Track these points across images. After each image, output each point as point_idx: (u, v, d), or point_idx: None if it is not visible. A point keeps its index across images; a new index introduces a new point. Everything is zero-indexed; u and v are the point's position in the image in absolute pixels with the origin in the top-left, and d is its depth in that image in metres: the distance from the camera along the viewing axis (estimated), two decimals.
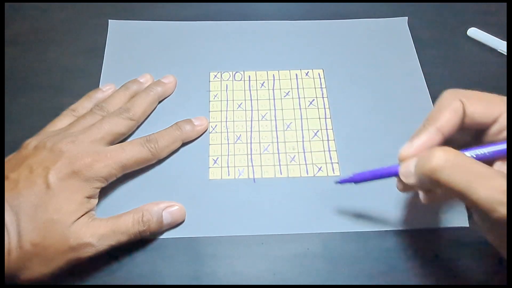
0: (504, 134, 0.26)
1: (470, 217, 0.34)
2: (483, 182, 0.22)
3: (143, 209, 0.32)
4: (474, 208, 0.23)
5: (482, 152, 0.25)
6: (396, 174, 0.28)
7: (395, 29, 0.45)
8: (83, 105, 0.37)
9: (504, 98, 0.26)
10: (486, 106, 0.26)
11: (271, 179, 0.36)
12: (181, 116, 0.37)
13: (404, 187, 0.29)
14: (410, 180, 0.26)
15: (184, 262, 0.32)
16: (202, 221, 0.33)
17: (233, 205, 0.34)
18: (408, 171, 0.26)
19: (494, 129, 0.26)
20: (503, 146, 0.24)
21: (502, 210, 0.21)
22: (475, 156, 0.25)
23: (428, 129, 0.26)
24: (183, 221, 0.33)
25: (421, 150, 0.26)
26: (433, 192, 0.27)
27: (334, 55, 0.43)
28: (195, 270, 0.32)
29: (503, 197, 0.21)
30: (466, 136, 0.28)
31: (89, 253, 0.29)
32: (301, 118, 0.39)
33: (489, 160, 0.25)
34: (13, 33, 0.44)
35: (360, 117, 0.39)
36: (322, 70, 0.42)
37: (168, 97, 0.40)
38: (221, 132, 0.38)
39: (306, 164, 0.36)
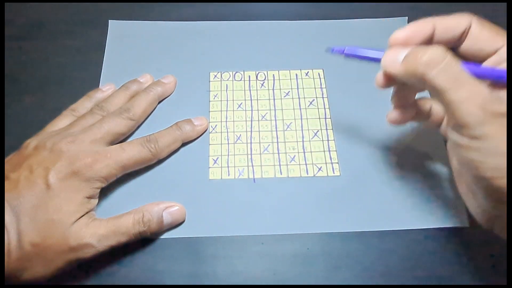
0: (500, 66, 0.26)
1: (470, 217, 0.34)
2: (467, 85, 0.23)
3: (144, 209, 0.32)
4: (448, 109, 0.24)
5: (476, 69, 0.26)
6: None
7: (395, 29, 0.45)
8: (83, 105, 0.37)
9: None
10: (493, 34, 0.26)
11: (271, 179, 0.36)
12: (181, 116, 0.37)
13: (384, 83, 0.29)
14: (393, 69, 0.26)
15: (184, 262, 0.32)
16: (202, 221, 0.33)
17: (233, 205, 0.34)
18: (394, 59, 0.26)
19: (491, 60, 0.26)
20: (498, 71, 0.25)
21: (474, 111, 0.22)
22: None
23: (425, 21, 0.27)
24: (183, 221, 0.33)
25: (412, 34, 0.27)
26: (406, 107, 0.29)
27: (334, 55, 0.43)
28: (195, 270, 0.32)
29: (480, 101, 0.22)
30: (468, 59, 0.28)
31: (89, 254, 0.29)
32: (301, 118, 0.39)
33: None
34: (13, 33, 0.44)
35: (360, 117, 0.39)
36: (322, 70, 0.42)
37: (168, 97, 0.40)
38: (221, 132, 0.38)
39: (306, 164, 0.36)
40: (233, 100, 0.40)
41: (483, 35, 0.26)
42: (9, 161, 0.31)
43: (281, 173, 0.36)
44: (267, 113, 0.39)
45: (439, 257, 0.32)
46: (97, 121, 0.34)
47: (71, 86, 0.40)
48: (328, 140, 0.37)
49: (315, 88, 0.41)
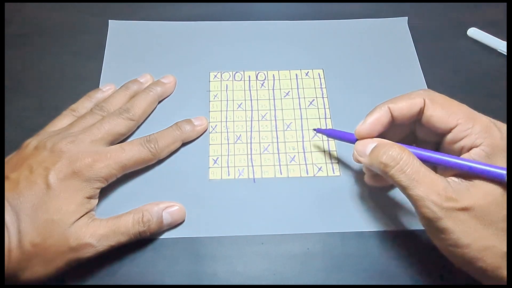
0: (456, 146, 0.27)
1: None
2: (423, 183, 0.25)
3: (143, 209, 0.32)
4: (413, 203, 0.26)
5: (432, 156, 0.27)
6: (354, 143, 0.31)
7: (395, 29, 0.45)
8: (83, 105, 0.37)
9: (465, 110, 0.27)
10: (445, 113, 0.27)
11: (271, 179, 0.36)
12: (181, 116, 0.37)
13: (357, 160, 0.31)
14: (363, 160, 0.29)
15: (184, 262, 0.32)
16: (202, 221, 0.33)
17: (233, 205, 0.34)
18: (363, 152, 0.29)
19: (449, 138, 0.27)
20: (449, 159, 0.27)
21: (432, 208, 0.25)
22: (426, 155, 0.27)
23: (381, 107, 0.29)
24: (183, 221, 0.33)
25: (373, 127, 0.29)
26: (376, 176, 0.31)
27: (334, 55, 0.43)
28: (195, 270, 0.32)
29: (438, 199, 0.25)
30: (430, 135, 0.29)
31: (89, 254, 0.29)
32: (301, 118, 0.39)
33: (434, 165, 0.27)
34: (13, 33, 0.44)
35: (360, 117, 0.38)
36: (322, 70, 0.42)
37: (168, 97, 0.40)
38: (221, 132, 0.38)
39: (306, 164, 0.36)
40: (233, 100, 0.40)
41: (436, 115, 0.27)
42: (9, 161, 0.31)
43: (281, 173, 0.36)
44: (267, 113, 0.39)
45: (439, 257, 0.32)
46: (97, 121, 0.34)
47: (71, 86, 0.40)
48: (328, 140, 0.37)
49: (315, 88, 0.41)
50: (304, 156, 0.37)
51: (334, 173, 0.36)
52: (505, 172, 0.24)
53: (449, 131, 0.27)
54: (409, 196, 0.26)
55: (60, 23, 0.45)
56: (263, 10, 0.46)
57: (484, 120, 0.27)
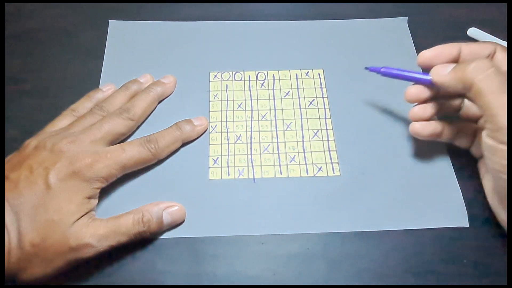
0: None
1: (470, 217, 0.34)
2: (506, 95, 0.26)
3: (143, 209, 0.32)
4: (486, 113, 0.27)
5: None
6: (422, 82, 0.32)
7: (395, 29, 0.45)
8: (83, 105, 0.37)
9: None
10: None
11: (271, 179, 0.36)
12: (181, 116, 0.37)
13: (415, 97, 0.32)
14: (441, 77, 0.30)
15: (184, 262, 0.32)
16: (202, 221, 0.33)
17: (233, 205, 0.34)
18: (443, 70, 0.30)
19: None
20: None
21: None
22: None
23: (453, 44, 0.31)
24: (183, 221, 0.33)
25: (438, 53, 0.31)
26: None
27: (334, 55, 0.43)
28: (195, 270, 0.32)
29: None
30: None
31: (89, 254, 0.29)
32: (301, 118, 0.39)
33: None
34: (13, 33, 0.44)
35: (360, 117, 0.39)
36: (322, 70, 0.42)
37: (168, 97, 0.40)
38: (221, 132, 0.38)
39: (306, 164, 0.36)
40: (233, 100, 0.40)
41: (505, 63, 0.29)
42: (9, 161, 0.31)
43: (281, 173, 0.36)
44: (267, 113, 0.39)
45: (439, 257, 0.32)
46: (97, 121, 0.34)
47: (71, 86, 0.40)
48: (328, 140, 0.37)
49: (315, 88, 0.41)
50: (304, 156, 0.37)
51: (334, 173, 0.36)
52: None
53: None
54: (489, 105, 0.26)
55: (60, 23, 0.45)
56: (263, 10, 0.46)
57: None
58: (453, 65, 0.30)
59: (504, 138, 0.26)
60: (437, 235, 0.33)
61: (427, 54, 0.31)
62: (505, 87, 0.26)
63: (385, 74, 0.35)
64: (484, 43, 0.30)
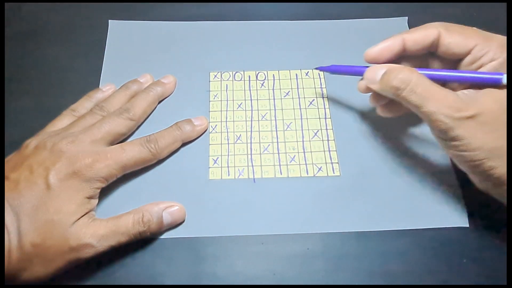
0: (474, 66, 0.29)
1: (470, 217, 0.34)
2: (434, 99, 0.27)
3: (143, 209, 0.32)
4: (425, 119, 0.28)
5: (440, 74, 0.29)
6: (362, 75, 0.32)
7: (395, 29, 0.45)
8: (83, 105, 0.37)
9: (480, 32, 0.29)
10: (462, 38, 0.29)
11: (271, 179, 0.36)
12: (181, 116, 0.37)
13: (366, 89, 0.33)
14: (374, 86, 0.31)
15: (184, 262, 0.32)
16: (202, 221, 0.33)
17: (233, 205, 0.34)
18: (373, 79, 0.31)
19: (467, 60, 0.29)
20: (456, 73, 0.29)
21: (444, 120, 0.27)
22: (434, 74, 0.29)
23: (396, 36, 0.31)
24: (183, 221, 0.33)
25: (383, 51, 0.31)
26: (388, 105, 0.33)
27: (334, 55, 0.43)
28: (195, 270, 0.32)
29: (449, 111, 0.27)
30: (446, 66, 0.31)
31: (89, 254, 0.29)
32: (301, 118, 0.39)
33: (443, 82, 0.29)
34: (13, 32, 0.44)
35: (360, 117, 0.39)
36: None
37: (168, 97, 0.40)
38: (221, 132, 0.38)
39: (306, 164, 0.36)
40: (233, 100, 0.40)
41: (453, 41, 0.29)
42: (9, 161, 0.31)
43: (281, 173, 0.36)
44: (267, 113, 0.39)
45: (439, 257, 0.32)
46: (97, 121, 0.34)
47: (71, 86, 0.40)
48: (328, 140, 0.37)
49: (315, 88, 0.41)
50: (304, 156, 0.37)
51: (334, 173, 0.36)
52: (501, 76, 0.27)
53: (468, 53, 0.29)
54: (422, 114, 0.28)
55: (60, 23, 0.45)
56: (263, 10, 0.46)
57: (500, 37, 0.29)
58: (384, 69, 0.30)
59: (447, 136, 0.27)
60: (437, 235, 0.33)
61: (372, 53, 0.31)
62: (430, 91, 0.27)
63: (334, 72, 0.36)
64: (426, 28, 0.30)
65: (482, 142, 0.27)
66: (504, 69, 0.27)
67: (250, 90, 0.41)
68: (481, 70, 0.28)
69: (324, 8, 0.46)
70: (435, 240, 0.33)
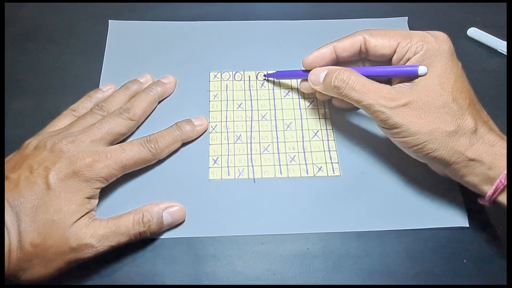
0: (402, 62, 0.32)
1: (470, 217, 0.34)
2: (371, 93, 0.30)
3: (143, 209, 0.32)
4: (367, 111, 0.31)
5: (371, 70, 0.33)
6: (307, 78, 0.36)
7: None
8: (83, 105, 0.37)
9: (401, 31, 0.32)
10: (386, 40, 0.32)
11: (271, 179, 0.36)
12: (181, 116, 0.37)
13: (309, 89, 0.37)
14: (318, 87, 0.35)
15: (184, 262, 0.32)
16: (202, 221, 0.33)
17: (233, 205, 0.34)
18: (317, 81, 0.34)
19: (395, 58, 0.32)
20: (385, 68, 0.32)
21: (381, 109, 0.30)
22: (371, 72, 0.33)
23: (328, 45, 0.34)
24: (183, 221, 0.33)
25: (316, 59, 0.35)
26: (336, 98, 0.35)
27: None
28: (195, 270, 0.32)
29: (384, 101, 0.30)
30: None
31: (89, 254, 0.29)
32: (301, 118, 0.39)
33: (376, 78, 0.32)
34: (13, 33, 0.44)
35: (360, 117, 0.39)
36: None
37: (168, 97, 0.40)
38: (221, 132, 0.38)
39: (306, 164, 0.36)
40: (233, 100, 0.40)
41: (378, 44, 0.32)
42: (9, 161, 0.31)
43: (281, 173, 0.36)
44: (267, 113, 0.39)
45: (439, 257, 0.32)
46: (97, 121, 0.34)
47: (71, 86, 0.40)
48: (328, 140, 0.37)
49: None
50: (304, 156, 0.37)
51: (334, 173, 0.36)
52: (416, 67, 0.30)
53: (394, 51, 0.32)
54: (363, 107, 0.31)
55: (60, 23, 0.45)
56: (263, 10, 0.46)
57: (419, 32, 0.32)
58: (325, 72, 0.33)
59: (387, 124, 0.30)
60: (437, 235, 0.33)
61: (308, 60, 0.35)
62: (366, 86, 0.31)
63: (280, 77, 0.40)
64: (353, 35, 0.33)
65: (419, 126, 0.29)
66: (426, 60, 0.30)
67: (250, 90, 0.41)
68: (408, 63, 0.31)
69: (324, 8, 0.46)
70: (435, 240, 0.33)
